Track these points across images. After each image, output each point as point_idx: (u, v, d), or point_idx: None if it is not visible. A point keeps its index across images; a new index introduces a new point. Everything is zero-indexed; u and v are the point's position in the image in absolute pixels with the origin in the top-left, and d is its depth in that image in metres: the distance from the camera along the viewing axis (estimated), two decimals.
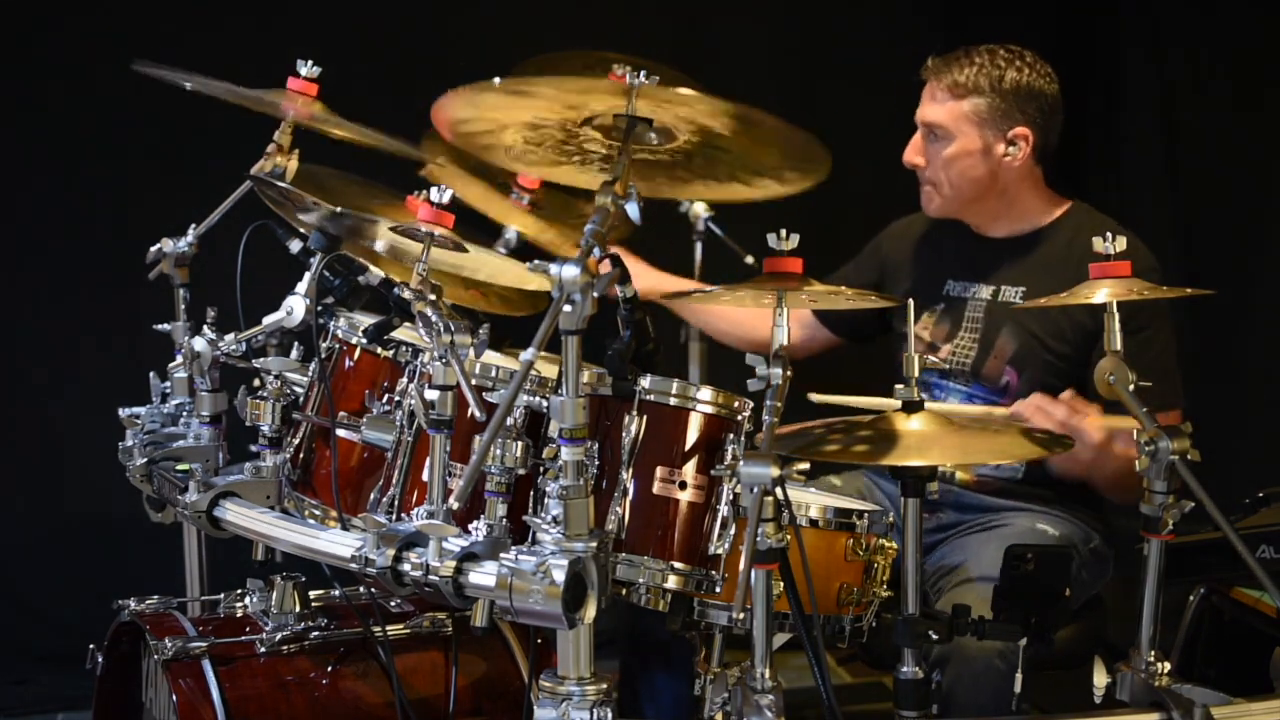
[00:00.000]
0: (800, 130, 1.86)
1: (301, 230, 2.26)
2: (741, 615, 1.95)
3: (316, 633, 2.28)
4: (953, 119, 2.61)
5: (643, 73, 1.79)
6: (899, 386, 2.09)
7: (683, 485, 1.96)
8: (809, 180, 2.01)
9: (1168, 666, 2.05)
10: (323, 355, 2.21)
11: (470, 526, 1.86)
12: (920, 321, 2.71)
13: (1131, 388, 2.03)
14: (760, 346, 1.94)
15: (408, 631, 2.36)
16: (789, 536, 1.80)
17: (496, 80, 1.80)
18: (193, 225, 2.46)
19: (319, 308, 2.16)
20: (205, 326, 2.27)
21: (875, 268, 2.90)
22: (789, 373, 1.90)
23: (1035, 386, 2.56)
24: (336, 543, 1.89)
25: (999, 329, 2.64)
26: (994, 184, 2.65)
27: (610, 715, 1.76)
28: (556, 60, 2.96)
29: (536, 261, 1.73)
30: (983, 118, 2.60)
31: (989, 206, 2.69)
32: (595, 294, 1.69)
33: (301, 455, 2.22)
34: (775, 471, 1.76)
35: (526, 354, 1.66)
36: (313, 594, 2.36)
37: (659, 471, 1.95)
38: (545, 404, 1.96)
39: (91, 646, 2.47)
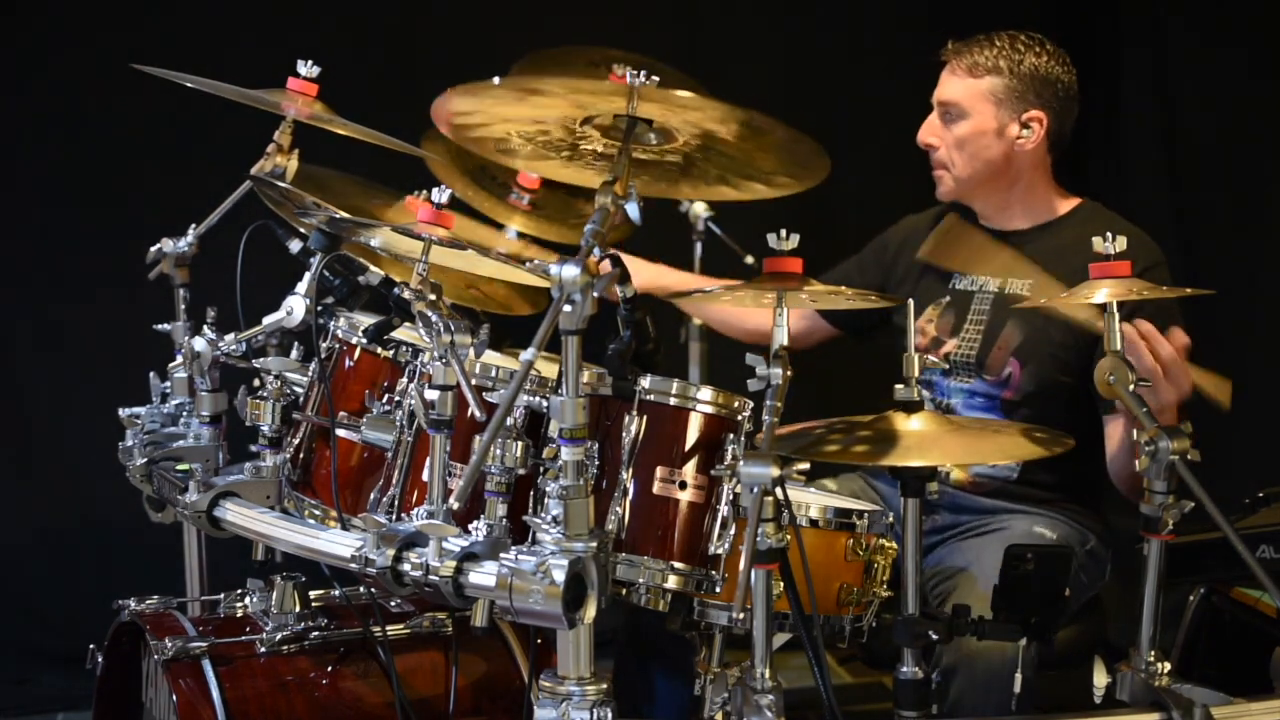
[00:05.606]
0: (805, 137, 1.86)
1: (301, 230, 2.26)
2: (741, 615, 1.95)
3: (316, 633, 2.28)
4: (968, 97, 2.62)
5: (643, 73, 1.79)
6: (899, 386, 2.09)
7: (683, 485, 1.95)
8: (801, 186, 2.01)
9: (1168, 666, 2.05)
10: (323, 355, 2.21)
11: (470, 526, 1.86)
12: (925, 314, 2.71)
13: (1131, 388, 2.02)
14: (762, 338, 1.94)
15: (408, 631, 2.35)
16: (789, 536, 1.80)
17: (496, 80, 1.80)
18: (193, 225, 2.46)
19: (319, 308, 2.16)
20: (205, 326, 2.26)
21: (882, 263, 2.90)
22: (789, 373, 1.90)
23: (1037, 379, 2.57)
24: (336, 543, 1.88)
25: (1004, 320, 2.63)
26: (1007, 168, 2.65)
27: (610, 715, 1.76)
28: (559, 57, 2.95)
29: (536, 261, 1.73)
30: (998, 98, 2.61)
31: (999, 193, 2.69)
32: (595, 294, 1.69)
33: (301, 455, 2.22)
34: (775, 471, 1.76)
35: (526, 354, 1.66)
36: (313, 594, 2.36)
37: (659, 471, 1.95)
38: (545, 404, 1.96)
39: (91, 646, 2.47)
